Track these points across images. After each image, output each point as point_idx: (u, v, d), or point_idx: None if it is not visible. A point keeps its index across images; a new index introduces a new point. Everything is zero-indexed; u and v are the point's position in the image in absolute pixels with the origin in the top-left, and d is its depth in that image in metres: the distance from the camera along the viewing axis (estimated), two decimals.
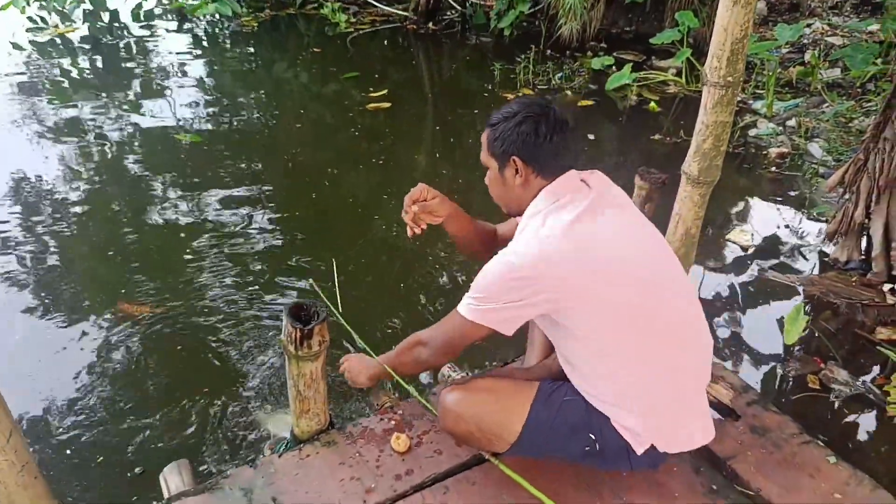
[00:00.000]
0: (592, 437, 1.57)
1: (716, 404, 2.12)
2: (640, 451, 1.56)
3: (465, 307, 1.53)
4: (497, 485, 1.74)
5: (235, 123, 5.47)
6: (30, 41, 7.50)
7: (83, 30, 7.98)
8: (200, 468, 2.31)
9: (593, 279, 1.45)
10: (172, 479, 1.82)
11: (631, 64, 6.34)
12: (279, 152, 5.05)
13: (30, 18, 8.02)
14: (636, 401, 1.54)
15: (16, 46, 7.27)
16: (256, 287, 3.35)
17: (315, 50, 7.56)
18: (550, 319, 1.53)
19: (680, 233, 2.26)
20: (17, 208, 4.02)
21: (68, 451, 2.42)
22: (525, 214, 1.55)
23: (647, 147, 5.20)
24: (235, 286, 3.34)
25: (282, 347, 1.71)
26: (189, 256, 3.57)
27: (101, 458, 2.39)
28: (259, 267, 3.51)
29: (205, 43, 7.96)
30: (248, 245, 3.70)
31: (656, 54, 7.08)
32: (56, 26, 7.97)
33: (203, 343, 2.95)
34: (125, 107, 5.75)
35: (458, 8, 8.40)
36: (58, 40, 7.58)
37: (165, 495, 1.80)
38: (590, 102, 6.01)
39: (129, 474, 2.27)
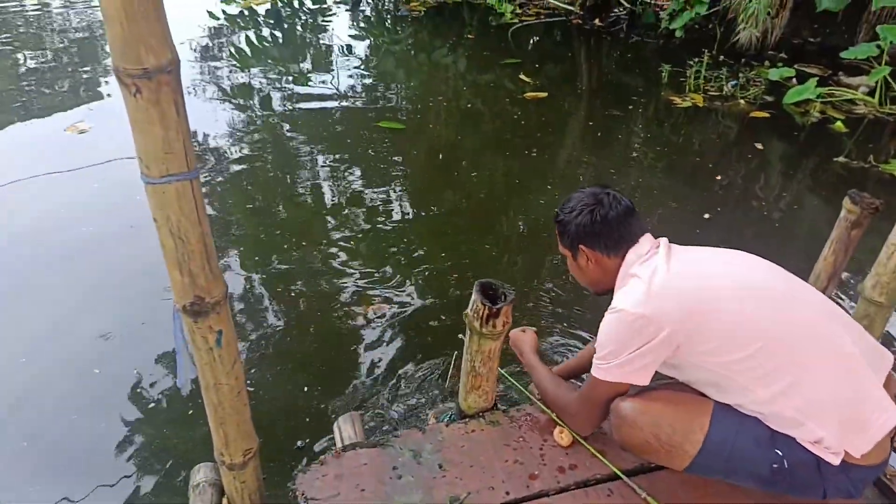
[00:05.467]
0: (779, 452, 1.45)
1: None
2: (835, 461, 1.42)
3: (596, 370, 1.59)
4: (667, 495, 1.67)
5: (394, 101, 5.66)
6: (222, 11, 8.18)
7: (268, 3, 8.59)
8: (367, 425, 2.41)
9: (707, 299, 1.48)
10: (346, 428, 1.91)
11: (816, 78, 5.87)
12: (436, 137, 5.17)
13: None
14: (818, 409, 1.43)
15: (211, 15, 7.98)
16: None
17: (469, 37, 7.65)
18: (692, 366, 1.52)
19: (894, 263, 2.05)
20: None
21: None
22: (617, 284, 1.63)
23: (827, 168, 4.79)
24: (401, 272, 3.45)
25: (466, 322, 1.73)
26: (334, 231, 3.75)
27: (285, 403, 2.58)
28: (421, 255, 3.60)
29: (374, 22, 8.28)
30: (403, 234, 3.77)
31: (844, 70, 6.50)
32: None
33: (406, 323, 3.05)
34: (294, 77, 6.15)
35: (627, 5, 8.17)
36: (246, 12, 8.21)
37: (338, 442, 1.89)
38: (764, 114, 5.62)
39: (295, 444, 2.41)
